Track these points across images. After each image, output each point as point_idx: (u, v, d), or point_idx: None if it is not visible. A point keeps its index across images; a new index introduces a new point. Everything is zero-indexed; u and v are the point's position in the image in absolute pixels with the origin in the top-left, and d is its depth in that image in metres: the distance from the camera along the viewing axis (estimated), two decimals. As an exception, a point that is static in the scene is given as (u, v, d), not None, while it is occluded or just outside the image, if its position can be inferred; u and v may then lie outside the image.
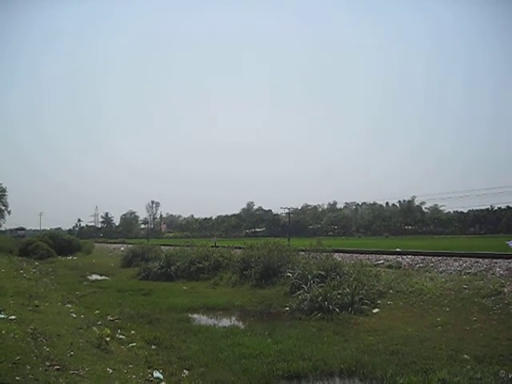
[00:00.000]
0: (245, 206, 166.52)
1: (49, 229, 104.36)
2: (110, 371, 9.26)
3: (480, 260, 21.58)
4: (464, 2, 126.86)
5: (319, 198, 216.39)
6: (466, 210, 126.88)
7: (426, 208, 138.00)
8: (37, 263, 48.51)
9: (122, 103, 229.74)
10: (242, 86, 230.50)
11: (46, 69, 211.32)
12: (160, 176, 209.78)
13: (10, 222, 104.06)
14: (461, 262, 22.07)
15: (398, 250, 30.20)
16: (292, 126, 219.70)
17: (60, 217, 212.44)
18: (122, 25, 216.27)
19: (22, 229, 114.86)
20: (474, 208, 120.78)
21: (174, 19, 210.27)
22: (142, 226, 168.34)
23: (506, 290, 17.57)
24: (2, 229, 76.70)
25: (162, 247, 45.80)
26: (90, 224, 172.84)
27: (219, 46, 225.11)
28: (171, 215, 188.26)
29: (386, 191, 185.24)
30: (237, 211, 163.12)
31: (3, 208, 63.98)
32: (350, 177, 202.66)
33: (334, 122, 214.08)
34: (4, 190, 63.24)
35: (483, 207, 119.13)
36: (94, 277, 39.14)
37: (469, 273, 20.44)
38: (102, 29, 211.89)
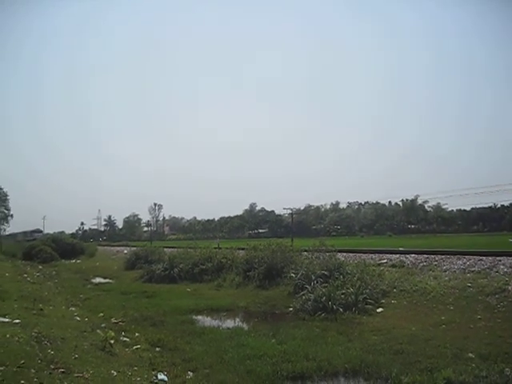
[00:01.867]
0: (247, 207, 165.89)
1: (52, 232, 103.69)
2: (115, 374, 9.27)
3: (484, 258, 21.51)
4: (462, 2, 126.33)
5: (320, 197, 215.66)
6: (469, 208, 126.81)
7: (428, 207, 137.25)
8: (40, 267, 48.69)
9: (122, 104, 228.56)
10: (242, 86, 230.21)
11: (45, 69, 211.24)
12: (162, 178, 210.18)
13: (16, 227, 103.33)
14: (464, 260, 22.02)
15: (401, 249, 30.15)
16: (292, 124, 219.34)
17: (63, 220, 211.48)
18: (121, 25, 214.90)
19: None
20: (477, 206, 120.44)
21: (173, 19, 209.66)
22: (145, 228, 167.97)
23: (510, 287, 17.51)
24: (7, 233, 76.50)
25: (165, 249, 45.79)
26: (93, 227, 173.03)
27: (218, 46, 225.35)
28: (174, 217, 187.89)
29: (389, 189, 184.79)
30: (239, 212, 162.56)
31: (6, 212, 63.97)
32: (349, 176, 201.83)
33: (334, 121, 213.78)
34: (6, 195, 63.28)
35: (486, 205, 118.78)
36: (98, 280, 39.18)
37: (473, 271, 20.40)
38: (101, 28, 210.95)
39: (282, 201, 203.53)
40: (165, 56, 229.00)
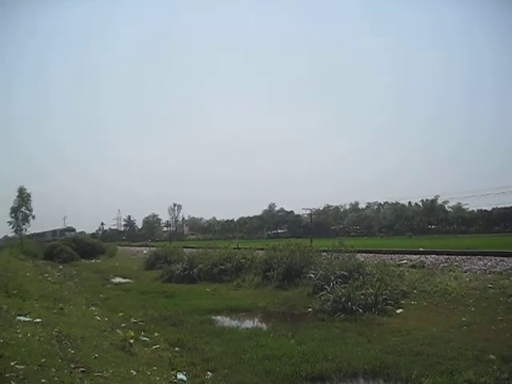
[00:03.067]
0: (266, 207, 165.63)
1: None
2: (134, 373, 9.33)
3: (505, 259, 21.25)
4: (467, 2, 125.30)
5: (344, 196, 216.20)
6: (490, 209, 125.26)
7: (449, 207, 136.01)
8: (61, 267, 49.30)
9: (131, 104, 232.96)
10: (249, 85, 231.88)
11: (49, 69, 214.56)
12: (181, 179, 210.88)
13: (41, 226, 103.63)
14: (485, 260, 21.77)
15: (421, 249, 29.94)
16: (299, 124, 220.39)
17: (83, 221, 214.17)
18: (127, 24, 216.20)
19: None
20: (499, 206, 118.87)
21: (175, 20, 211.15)
22: (165, 228, 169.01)
23: (532, 288, 17.30)
24: (28, 233, 77.18)
25: (184, 249, 45.94)
26: (112, 227, 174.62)
27: (220, 46, 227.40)
28: (193, 217, 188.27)
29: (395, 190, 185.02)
30: (258, 213, 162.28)
31: (28, 213, 64.71)
32: (349, 176, 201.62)
33: (338, 120, 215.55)
34: (29, 196, 64.01)
35: (508, 205, 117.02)
36: (118, 279, 39.43)
37: (494, 272, 20.16)
38: (106, 29, 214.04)
39: (301, 201, 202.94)
40: (168, 57, 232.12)
